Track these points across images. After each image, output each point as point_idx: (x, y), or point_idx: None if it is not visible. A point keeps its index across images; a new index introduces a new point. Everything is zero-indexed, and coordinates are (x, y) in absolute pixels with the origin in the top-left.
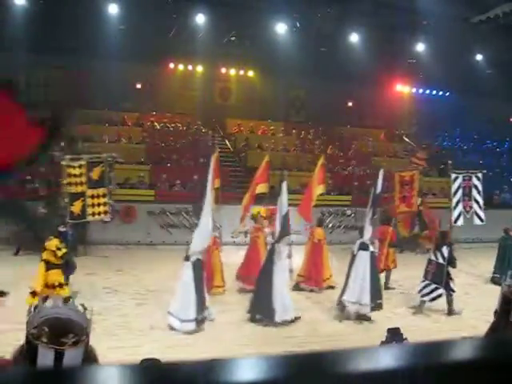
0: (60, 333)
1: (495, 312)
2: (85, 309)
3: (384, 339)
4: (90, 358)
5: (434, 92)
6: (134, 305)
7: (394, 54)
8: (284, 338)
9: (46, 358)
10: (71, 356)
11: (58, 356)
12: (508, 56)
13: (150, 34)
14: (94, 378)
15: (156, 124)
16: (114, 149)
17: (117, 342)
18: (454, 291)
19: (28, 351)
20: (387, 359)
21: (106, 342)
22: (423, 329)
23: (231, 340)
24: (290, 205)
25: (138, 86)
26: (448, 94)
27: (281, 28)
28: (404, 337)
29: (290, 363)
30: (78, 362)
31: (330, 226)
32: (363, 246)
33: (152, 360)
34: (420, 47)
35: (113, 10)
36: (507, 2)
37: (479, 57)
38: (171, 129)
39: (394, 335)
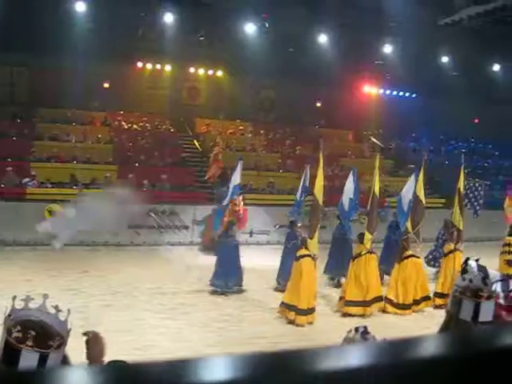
0: (46, 336)
1: (447, 311)
2: (57, 310)
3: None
4: (66, 362)
5: (401, 93)
6: (99, 306)
7: (362, 55)
8: (252, 339)
9: (29, 361)
10: (54, 359)
11: (42, 359)
12: (473, 58)
13: (118, 32)
14: (60, 380)
15: (124, 123)
16: (80, 149)
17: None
18: None
19: (6, 355)
20: (352, 358)
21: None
22: (399, 326)
23: (198, 340)
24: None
25: (106, 85)
26: (415, 95)
27: (250, 28)
28: (372, 334)
29: (258, 362)
30: (58, 364)
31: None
32: None
33: (119, 362)
34: (387, 49)
35: (80, 7)
36: (472, 5)
37: (445, 59)
38: (139, 128)
39: (362, 334)
